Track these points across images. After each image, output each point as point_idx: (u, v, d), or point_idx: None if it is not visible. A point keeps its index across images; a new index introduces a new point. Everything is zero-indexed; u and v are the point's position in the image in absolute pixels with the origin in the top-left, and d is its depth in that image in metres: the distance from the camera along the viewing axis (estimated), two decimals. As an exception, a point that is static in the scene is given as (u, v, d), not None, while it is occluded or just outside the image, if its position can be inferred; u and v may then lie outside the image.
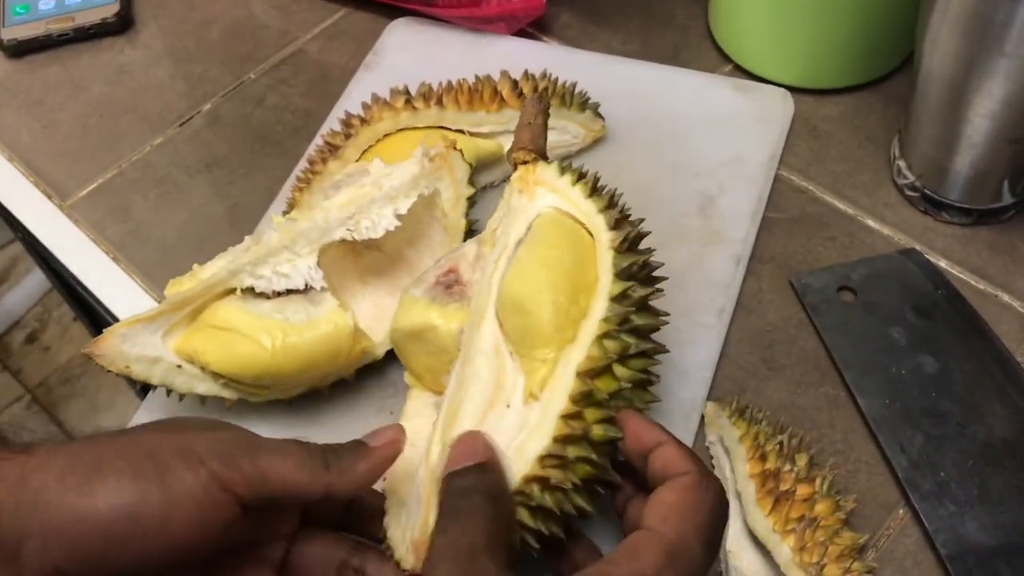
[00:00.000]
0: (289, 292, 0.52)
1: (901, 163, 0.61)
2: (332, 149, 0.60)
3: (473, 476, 0.41)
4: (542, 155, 0.51)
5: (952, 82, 0.54)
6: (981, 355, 0.55)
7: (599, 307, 0.44)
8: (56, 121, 0.71)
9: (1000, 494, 0.49)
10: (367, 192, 0.54)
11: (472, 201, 0.56)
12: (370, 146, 0.60)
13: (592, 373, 0.43)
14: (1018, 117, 0.53)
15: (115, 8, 0.76)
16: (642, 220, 0.48)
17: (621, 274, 0.45)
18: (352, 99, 0.68)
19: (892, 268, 0.58)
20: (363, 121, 0.60)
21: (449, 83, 0.62)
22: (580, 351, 0.43)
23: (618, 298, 0.44)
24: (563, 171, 0.49)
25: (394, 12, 0.74)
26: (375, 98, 0.61)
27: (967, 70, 0.52)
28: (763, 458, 0.48)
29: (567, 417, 0.42)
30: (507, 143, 0.62)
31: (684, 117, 0.66)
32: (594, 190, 0.48)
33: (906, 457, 0.51)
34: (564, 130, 0.63)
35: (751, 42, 0.68)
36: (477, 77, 0.63)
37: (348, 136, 0.60)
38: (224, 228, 0.63)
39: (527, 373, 0.44)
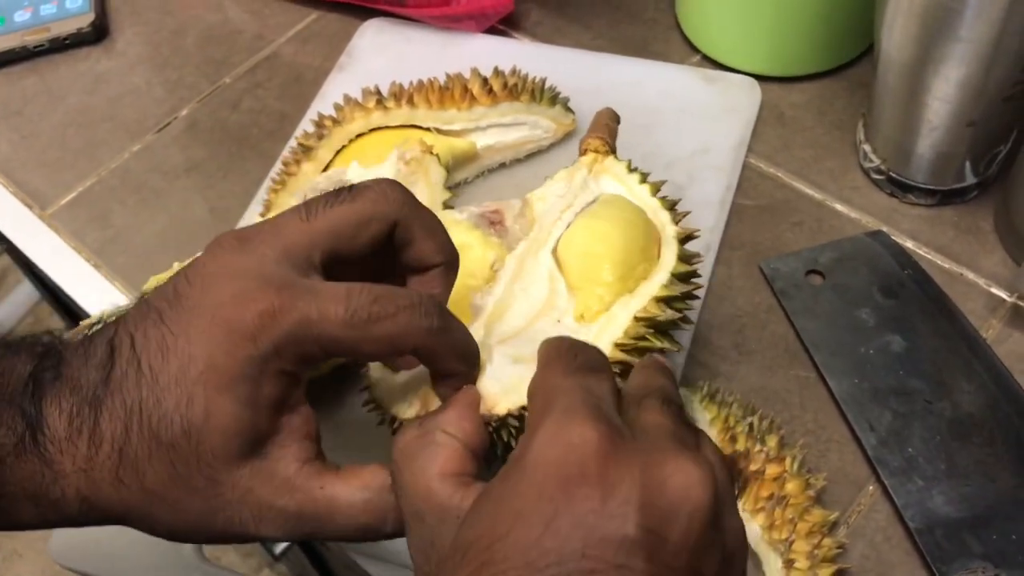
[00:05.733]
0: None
1: (866, 147, 0.63)
2: (306, 150, 0.61)
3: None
4: (613, 151, 0.55)
5: (910, 67, 0.55)
6: (947, 333, 0.56)
7: (661, 276, 0.48)
8: (35, 132, 0.72)
9: (966, 468, 0.50)
10: (342, 193, 0.55)
11: (448, 206, 0.57)
12: (343, 146, 0.61)
13: (648, 323, 0.46)
14: (974, 100, 0.54)
15: (90, 18, 0.76)
16: (686, 213, 0.52)
17: (683, 258, 0.49)
18: (326, 101, 0.68)
19: (859, 250, 0.60)
20: (335, 122, 0.61)
21: (420, 82, 0.63)
22: (639, 301, 0.47)
23: (680, 276, 0.48)
24: (631, 169, 0.53)
25: (366, 13, 0.75)
26: (347, 99, 0.62)
27: (923, 55, 0.53)
28: (733, 439, 0.49)
29: (619, 346, 0.45)
30: (479, 140, 0.63)
31: (653, 108, 0.67)
32: (657, 191, 0.52)
33: (875, 435, 0.52)
34: (535, 125, 0.64)
35: (718, 32, 0.69)
36: (448, 75, 0.64)
37: (321, 137, 0.61)
38: (203, 231, 0.64)
39: (579, 302, 0.48)
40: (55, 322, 1.76)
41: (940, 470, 0.51)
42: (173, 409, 0.36)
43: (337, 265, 0.40)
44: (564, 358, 0.37)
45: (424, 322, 0.38)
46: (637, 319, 0.46)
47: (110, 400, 0.36)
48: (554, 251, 0.50)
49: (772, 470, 0.48)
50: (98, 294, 0.63)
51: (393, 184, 0.41)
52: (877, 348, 0.55)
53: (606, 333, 0.46)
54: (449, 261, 0.42)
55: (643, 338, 0.46)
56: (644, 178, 0.52)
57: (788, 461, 0.49)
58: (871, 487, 0.51)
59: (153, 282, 0.54)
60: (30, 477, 0.37)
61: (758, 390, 0.55)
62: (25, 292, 1.76)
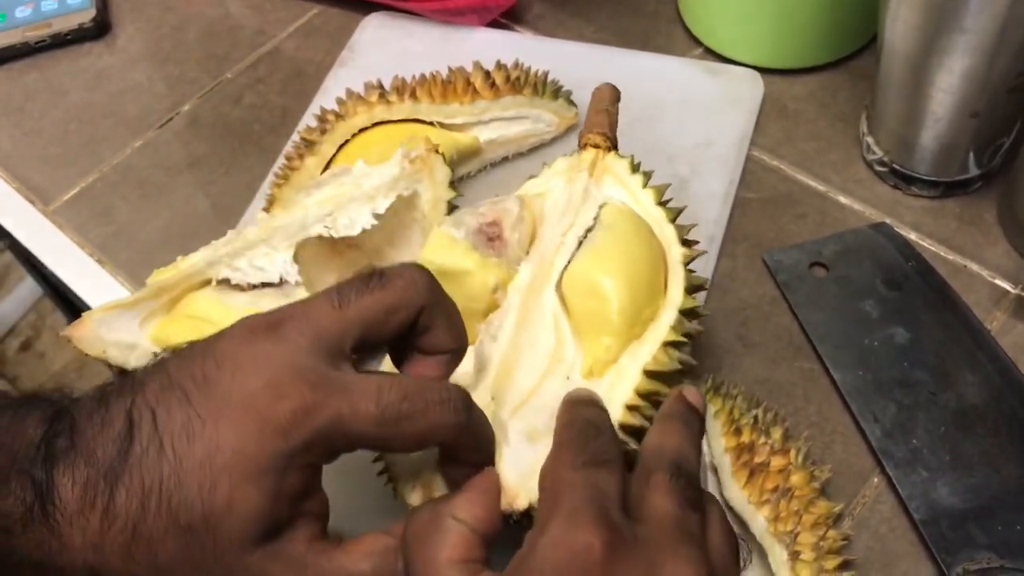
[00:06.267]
0: (264, 286, 0.53)
1: (869, 139, 0.62)
2: (309, 145, 0.61)
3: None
4: (614, 144, 0.52)
5: (913, 59, 0.55)
6: (951, 324, 0.56)
7: (669, 316, 0.46)
8: (37, 128, 0.72)
9: (971, 459, 0.50)
10: (347, 191, 0.55)
11: (453, 205, 0.57)
12: (346, 141, 0.61)
13: (657, 375, 0.45)
14: (977, 91, 0.54)
15: (91, 13, 0.76)
16: (692, 226, 0.50)
17: (690, 290, 0.47)
18: (328, 95, 0.68)
19: (863, 242, 0.60)
20: (338, 116, 0.61)
21: (422, 76, 0.63)
22: (647, 350, 0.45)
23: (687, 313, 0.47)
24: (634, 169, 0.51)
25: (368, 7, 0.75)
26: (349, 93, 0.62)
27: (927, 46, 0.53)
28: (738, 432, 0.49)
29: (631, 408, 0.44)
30: (482, 134, 0.63)
31: (656, 101, 0.67)
32: (661, 197, 0.50)
33: (879, 426, 0.52)
34: (538, 119, 0.64)
35: (720, 25, 0.69)
36: (450, 69, 0.64)
37: (324, 131, 0.61)
38: (206, 227, 0.64)
39: (586, 354, 0.46)
40: (58, 318, 1.76)
41: (945, 461, 0.51)
42: (195, 494, 0.36)
43: (362, 346, 0.40)
44: (575, 446, 0.39)
45: (452, 419, 0.39)
46: (647, 373, 0.45)
47: (128, 476, 0.36)
48: (558, 285, 0.48)
49: (777, 462, 0.48)
50: (102, 289, 0.63)
51: (421, 272, 0.41)
52: (881, 340, 0.55)
53: (617, 392, 0.45)
54: (459, 349, 0.43)
55: (655, 394, 0.45)
56: (647, 180, 0.50)
57: (793, 453, 0.48)
58: (876, 479, 0.51)
59: (156, 276, 0.53)
60: (36, 547, 0.36)
61: (762, 382, 0.55)
62: (28, 288, 1.76)
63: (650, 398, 0.45)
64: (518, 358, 0.46)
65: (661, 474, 0.38)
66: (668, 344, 0.46)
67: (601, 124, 0.52)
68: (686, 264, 0.48)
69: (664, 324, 0.46)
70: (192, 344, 0.39)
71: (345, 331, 0.39)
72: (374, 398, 0.37)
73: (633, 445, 0.44)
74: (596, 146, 0.52)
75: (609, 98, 0.53)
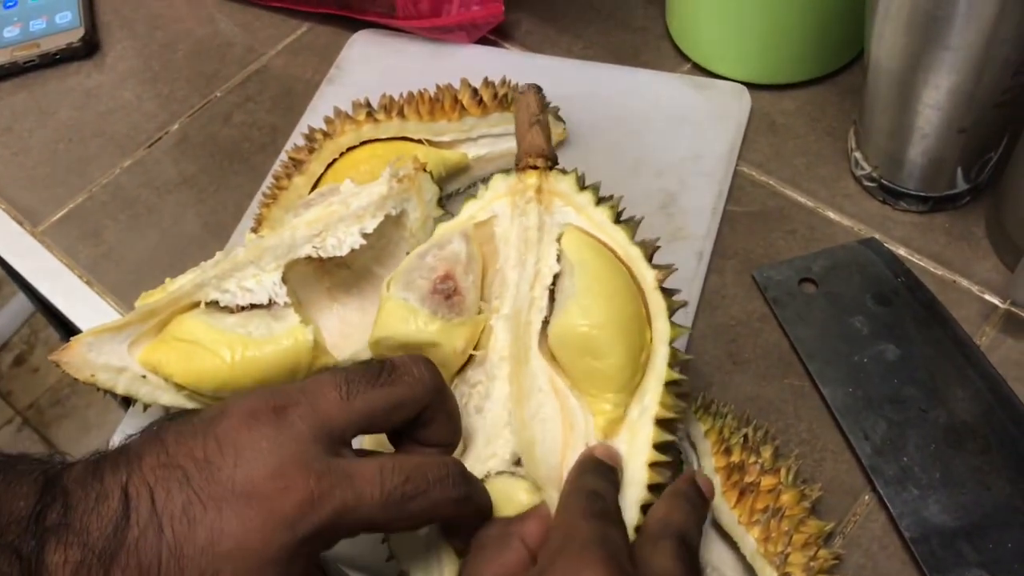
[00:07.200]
0: (253, 307, 0.52)
1: (858, 155, 0.62)
2: (297, 164, 0.61)
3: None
4: (554, 160, 0.50)
5: (900, 76, 0.55)
6: (941, 340, 0.56)
7: (662, 353, 0.45)
8: (25, 148, 0.72)
9: (961, 476, 0.50)
10: (335, 211, 0.54)
11: (440, 223, 0.57)
12: (334, 160, 0.61)
13: (667, 422, 0.45)
14: (964, 107, 0.54)
15: (80, 33, 0.76)
16: (656, 240, 0.48)
17: (671, 311, 0.46)
18: (316, 113, 0.68)
19: (852, 258, 0.59)
20: (326, 135, 0.61)
21: (410, 94, 0.63)
22: (652, 397, 0.45)
23: (675, 342, 0.46)
24: (581, 186, 0.48)
25: (356, 25, 0.75)
26: (337, 112, 0.62)
27: (913, 64, 0.53)
28: (728, 451, 0.49)
29: (654, 465, 0.44)
30: (470, 151, 0.63)
31: (644, 116, 0.67)
32: (616, 214, 0.48)
33: (870, 444, 0.52)
34: (526, 136, 0.64)
35: (708, 40, 0.69)
36: (438, 87, 0.64)
37: (312, 151, 0.61)
38: (195, 247, 0.64)
39: (596, 413, 0.45)
40: (52, 332, 1.75)
41: (935, 479, 0.50)
42: None
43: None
44: (585, 501, 0.40)
45: (453, 493, 0.40)
46: (658, 423, 0.44)
47: (124, 557, 0.35)
48: (542, 344, 0.46)
49: (767, 482, 0.48)
50: (91, 311, 0.63)
51: (430, 369, 0.42)
52: (871, 356, 0.55)
53: (635, 453, 0.44)
54: (454, 443, 0.43)
55: (671, 445, 0.45)
56: (598, 198, 0.48)
57: (783, 472, 0.48)
58: (866, 497, 0.51)
59: (144, 299, 0.53)
60: None
61: (752, 400, 0.55)
62: (20, 303, 1.75)
63: (668, 449, 0.45)
64: (533, 437, 0.45)
65: (667, 542, 0.40)
66: (668, 384, 0.45)
67: (536, 143, 0.49)
68: (661, 287, 0.46)
69: (660, 365, 0.45)
70: (190, 417, 0.39)
71: (349, 422, 0.39)
72: (377, 483, 0.38)
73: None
74: (536, 167, 0.49)
75: (536, 106, 0.50)
